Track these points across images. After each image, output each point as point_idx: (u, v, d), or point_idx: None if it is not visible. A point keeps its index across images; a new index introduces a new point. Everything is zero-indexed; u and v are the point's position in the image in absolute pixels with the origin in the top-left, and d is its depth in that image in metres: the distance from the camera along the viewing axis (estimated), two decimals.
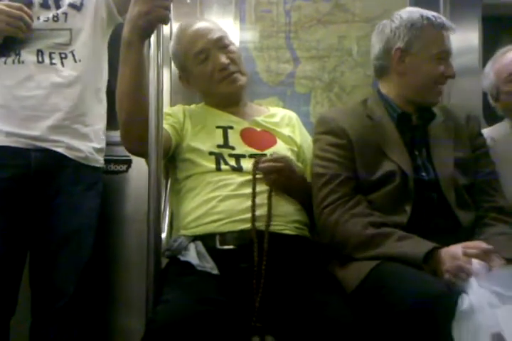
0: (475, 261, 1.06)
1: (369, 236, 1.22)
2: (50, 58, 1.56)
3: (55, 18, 1.59)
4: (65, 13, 1.61)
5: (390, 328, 1.03)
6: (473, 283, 1.00)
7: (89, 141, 1.60)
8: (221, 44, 1.48)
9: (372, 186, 1.33)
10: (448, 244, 1.16)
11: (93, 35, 1.64)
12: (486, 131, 1.68)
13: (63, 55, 1.58)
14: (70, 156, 1.55)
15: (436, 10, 1.86)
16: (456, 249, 1.12)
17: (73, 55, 1.59)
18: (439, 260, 1.12)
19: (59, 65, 1.57)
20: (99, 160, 1.65)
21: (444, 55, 1.37)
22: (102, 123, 1.68)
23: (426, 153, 1.37)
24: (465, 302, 0.97)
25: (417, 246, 1.16)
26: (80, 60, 1.60)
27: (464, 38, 1.93)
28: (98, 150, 1.64)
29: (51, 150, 1.53)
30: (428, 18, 1.37)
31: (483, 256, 1.09)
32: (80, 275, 1.53)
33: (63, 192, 1.54)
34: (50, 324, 1.48)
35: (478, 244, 1.13)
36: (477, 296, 0.97)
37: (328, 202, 1.31)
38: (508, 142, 1.63)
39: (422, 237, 1.20)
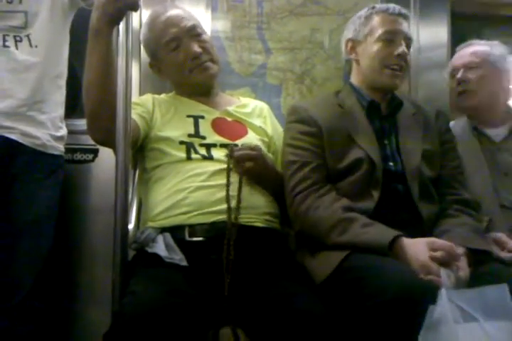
0: (443, 273, 1.07)
1: (336, 221, 1.23)
2: (4, 40, 1.52)
3: (9, 0, 1.54)
4: None
5: (366, 319, 1.04)
6: (443, 295, 1.00)
7: (46, 129, 1.57)
8: (194, 33, 1.46)
9: (341, 174, 1.34)
10: (411, 236, 1.17)
11: (51, 19, 1.60)
12: None
13: (18, 38, 1.54)
14: (25, 143, 1.51)
15: (407, 6, 1.89)
16: (423, 250, 1.12)
17: (29, 40, 1.55)
18: (405, 255, 1.13)
19: (13, 48, 1.53)
20: (59, 148, 1.62)
21: (390, 35, 1.40)
22: (60, 110, 1.64)
23: (395, 143, 1.39)
24: (433, 313, 0.98)
25: (381, 233, 1.18)
26: (36, 46, 1.56)
27: (433, 34, 1.97)
28: (57, 138, 1.60)
29: (4, 137, 1.49)
30: (374, 7, 1.45)
31: (450, 260, 1.11)
32: (39, 267, 1.50)
33: (20, 180, 1.50)
34: (8, 317, 1.44)
35: (445, 247, 1.13)
36: (444, 309, 0.98)
37: (300, 189, 1.31)
38: (467, 137, 1.66)
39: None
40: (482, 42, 1.73)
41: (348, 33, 1.48)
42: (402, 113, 1.44)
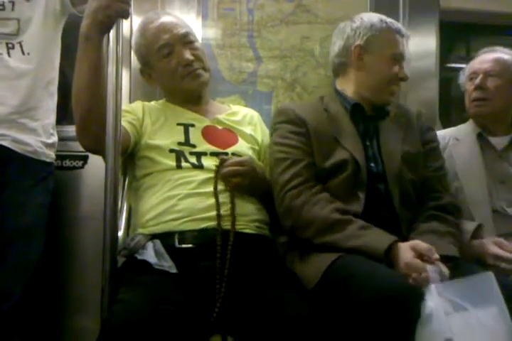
0: (430, 269, 1.10)
1: (334, 221, 1.24)
2: None
3: (1, 7, 1.55)
4: (12, 2, 1.57)
5: (354, 319, 1.04)
6: (432, 290, 1.04)
7: (38, 136, 1.57)
8: (186, 40, 1.46)
9: (327, 173, 1.35)
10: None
11: (44, 26, 1.60)
12: (450, 131, 1.74)
13: (10, 45, 1.55)
14: (16, 150, 1.51)
15: (396, 14, 1.91)
16: (406, 252, 1.15)
17: (21, 47, 1.56)
18: (396, 259, 1.16)
19: (5, 55, 1.54)
20: (50, 155, 1.62)
21: (398, 57, 1.45)
22: (51, 117, 1.64)
23: (377, 145, 1.41)
24: (425, 309, 1.01)
25: (378, 238, 1.19)
26: (28, 53, 1.56)
27: (422, 43, 1.98)
28: (48, 145, 1.60)
29: None
30: (386, 22, 1.46)
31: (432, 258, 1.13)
32: (29, 274, 1.49)
33: (10, 187, 1.50)
34: None
35: (425, 250, 1.15)
36: (435, 303, 1.01)
37: (293, 185, 1.32)
38: (470, 142, 1.68)
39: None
40: (506, 50, 1.74)
41: (356, 39, 1.45)
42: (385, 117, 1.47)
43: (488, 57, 1.72)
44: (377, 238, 1.19)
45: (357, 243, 1.19)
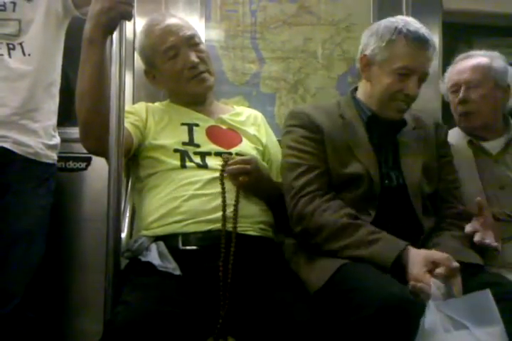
0: (433, 284, 1.08)
1: (343, 225, 1.23)
2: None
3: (2, 7, 1.55)
4: (14, 3, 1.57)
5: (355, 332, 1.03)
6: (431, 305, 1.03)
7: (39, 137, 1.57)
8: (192, 42, 1.47)
9: (341, 185, 1.34)
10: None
11: (45, 27, 1.60)
12: None
13: (11, 46, 1.55)
14: (17, 152, 1.51)
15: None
16: (418, 263, 1.12)
17: (22, 48, 1.56)
18: (406, 266, 1.14)
19: (6, 56, 1.54)
20: (51, 157, 1.62)
21: (407, 71, 1.33)
22: (53, 119, 1.64)
23: (392, 161, 1.39)
24: (424, 324, 1.00)
25: (387, 247, 1.17)
26: (29, 54, 1.56)
27: None
28: (50, 147, 1.60)
29: None
30: (400, 32, 1.33)
31: (450, 274, 1.11)
32: (31, 276, 1.49)
33: (12, 190, 1.50)
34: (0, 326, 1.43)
35: (443, 260, 1.13)
36: (434, 319, 1.00)
37: (307, 191, 1.30)
38: (462, 149, 1.65)
39: None
40: (481, 53, 1.69)
41: (366, 48, 1.39)
42: (402, 128, 1.43)
43: (466, 65, 1.66)
44: (385, 247, 1.17)
45: (365, 252, 1.18)
